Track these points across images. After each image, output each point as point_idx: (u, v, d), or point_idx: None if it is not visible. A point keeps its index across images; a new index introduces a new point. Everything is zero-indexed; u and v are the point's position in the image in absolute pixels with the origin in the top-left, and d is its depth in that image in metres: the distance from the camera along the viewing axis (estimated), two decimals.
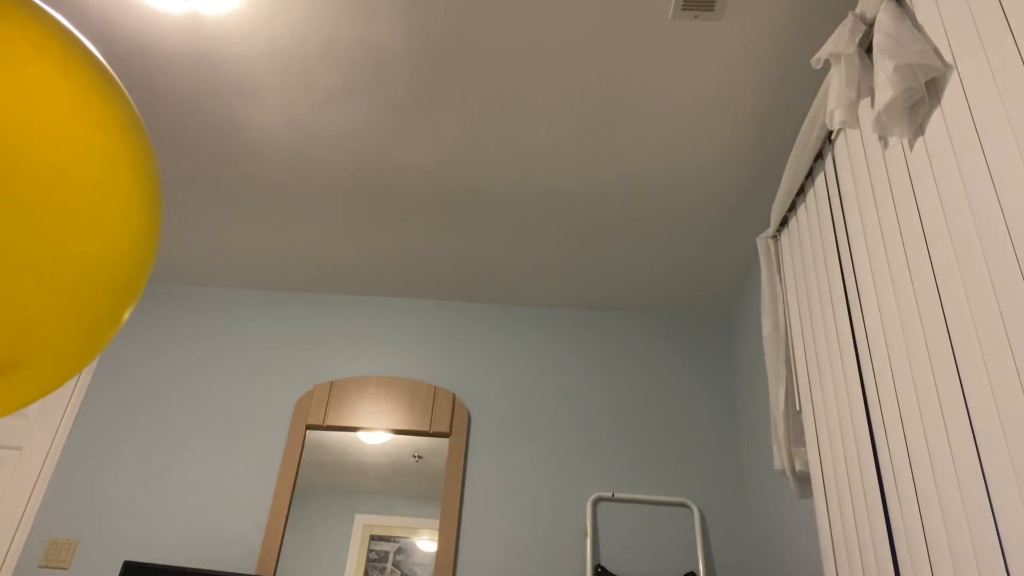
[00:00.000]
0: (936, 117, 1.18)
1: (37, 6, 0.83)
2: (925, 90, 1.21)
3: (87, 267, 0.80)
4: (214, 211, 2.56)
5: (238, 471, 2.63)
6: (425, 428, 2.68)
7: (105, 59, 1.91)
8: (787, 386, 1.88)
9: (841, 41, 1.37)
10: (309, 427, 2.70)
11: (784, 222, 1.96)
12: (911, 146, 1.27)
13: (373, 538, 2.50)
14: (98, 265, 0.82)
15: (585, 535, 2.50)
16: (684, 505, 2.56)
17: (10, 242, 0.71)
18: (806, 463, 1.80)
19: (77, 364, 0.87)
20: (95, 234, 0.81)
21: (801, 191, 1.83)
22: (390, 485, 2.60)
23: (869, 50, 1.40)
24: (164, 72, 1.96)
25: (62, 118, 0.78)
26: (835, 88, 1.39)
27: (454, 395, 2.77)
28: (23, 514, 2.54)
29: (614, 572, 2.43)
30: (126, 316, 0.94)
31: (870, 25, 1.36)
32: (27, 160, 0.72)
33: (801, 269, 1.81)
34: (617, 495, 2.56)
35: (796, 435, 1.84)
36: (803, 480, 1.87)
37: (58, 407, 2.75)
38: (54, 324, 0.79)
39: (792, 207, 1.90)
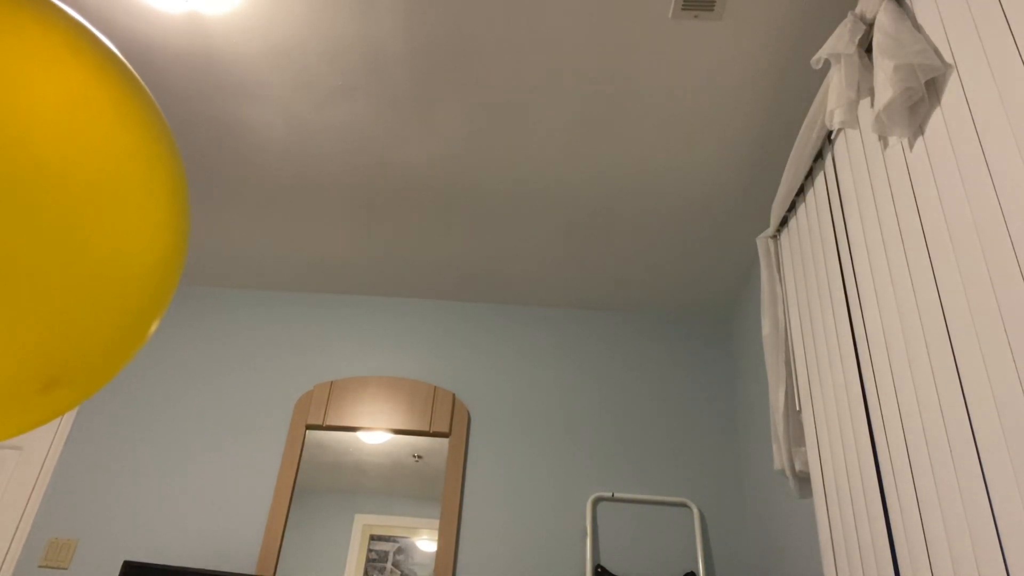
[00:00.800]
0: (936, 117, 1.18)
1: (64, 11, 0.81)
2: (925, 90, 1.21)
3: (123, 281, 0.79)
4: (214, 211, 2.56)
5: (238, 471, 2.63)
6: (425, 428, 2.68)
7: None
8: (787, 386, 1.88)
9: (841, 41, 1.37)
10: (309, 427, 2.70)
11: (784, 222, 1.96)
12: (911, 146, 1.27)
13: (373, 538, 2.50)
14: (133, 278, 0.80)
15: (585, 535, 2.50)
16: (684, 505, 2.56)
17: (52, 260, 0.69)
18: (806, 463, 1.80)
19: (109, 375, 0.87)
20: (131, 246, 0.79)
21: (801, 191, 1.83)
22: (390, 485, 2.60)
23: (869, 50, 1.40)
24: (164, 72, 1.96)
25: (102, 126, 0.75)
26: (835, 88, 1.39)
27: (454, 395, 2.77)
28: (23, 514, 2.54)
29: (614, 572, 2.43)
30: (156, 325, 0.93)
31: (870, 25, 1.36)
32: (68, 170, 0.70)
33: (801, 269, 1.81)
34: (617, 495, 2.56)
35: (796, 435, 1.84)
36: (803, 480, 1.87)
37: None
38: (91, 339, 0.78)
39: (792, 207, 1.90)
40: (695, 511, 2.52)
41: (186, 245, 0.94)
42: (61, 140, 0.71)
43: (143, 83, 0.90)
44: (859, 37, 1.36)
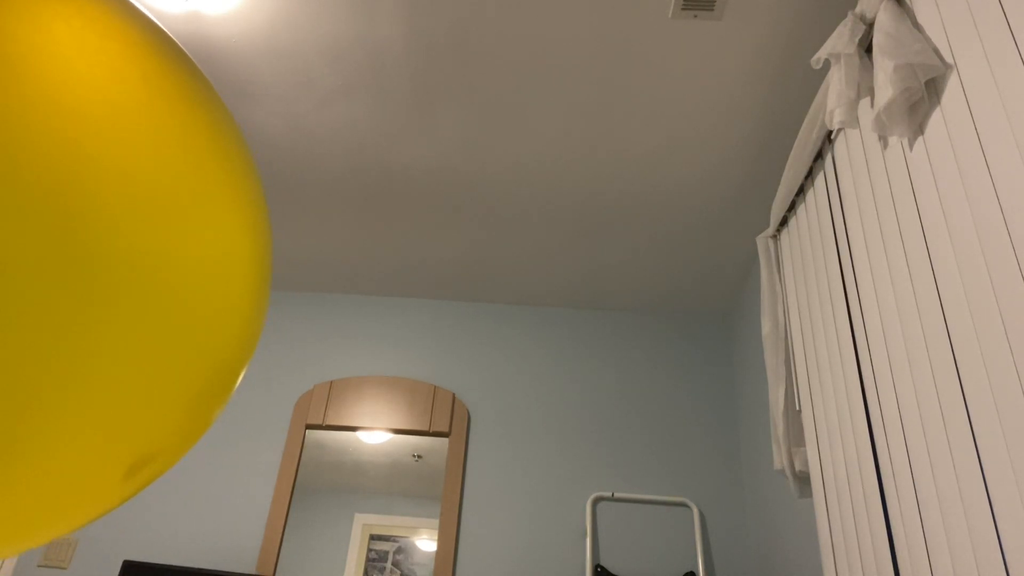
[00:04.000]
0: (936, 117, 1.18)
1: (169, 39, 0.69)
2: (925, 90, 1.21)
3: (211, 337, 0.68)
4: None
5: (238, 471, 2.63)
6: (425, 428, 2.68)
7: None
8: (787, 386, 1.88)
9: (841, 41, 1.37)
10: (309, 427, 2.70)
11: (784, 222, 1.96)
12: (911, 146, 1.27)
13: (373, 538, 2.50)
14: (222, 329, 0.69)
15: (585, 535, 2.50)
16: (684, 505, 2.56)
17: (131, 322, 0.58)
18: (806, 463, 1.80)
19: (193, 442, 0.77)
20: (216, 283, 0.67)
21: (801, 191, 1.83)
22: (390, 485, 2.60)
23: (869, 50, 1.40)
24: None
25: (203, 172, 0.63)
26: (835, 88, 1.39)
27: (454, 395, 2.76)
28: None
29: (614, 572, 2.43)
30: (241, 377, 0.82)
31: (870, 25, 1.36)
32: (171, 237, 0.59)
33: (801, 269, 1.81)
34: (617, 495, 2.56)
35: (796, 435, 1.84)
36: (803, 480, 1.86)
37: None
38: (177, 413, 0.68)
39: (792, 207, 1.90)
40: (695, 511, 2.52)
41: (270, 268, 0.80)
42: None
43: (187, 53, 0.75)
44: (859, 37, 1.36)
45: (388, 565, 2.45)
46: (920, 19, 1.25)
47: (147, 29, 0.67)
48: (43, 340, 0.52)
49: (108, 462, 0.63)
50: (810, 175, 1.77)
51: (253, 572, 2.43)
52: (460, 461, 2.63)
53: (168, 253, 0.60)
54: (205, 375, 0.69)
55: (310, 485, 2.60)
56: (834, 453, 1.55)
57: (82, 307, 0.54)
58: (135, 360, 0.60)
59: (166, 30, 0.73)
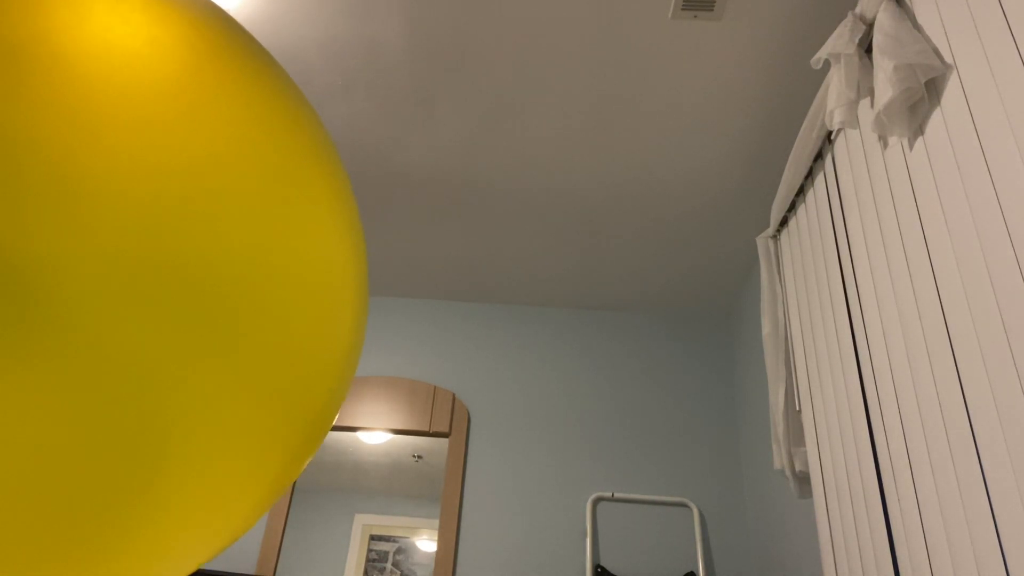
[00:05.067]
0: (936, 117, 1.18)
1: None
2: (925, 90, 1.21)
3: (320, 369, 0.62)
4: None
5: None
6: (425, 428, 2.68)
7: None
8: (787, 386, 1.88)
9: (841, 41, 1.37)
10: None
11: (784, 222, 1.96)
12: (911, 146, 1.27)
13: (373, 538, 2.50)
14: (330, 394, 0.65)
15: (585, 535, 2.50)
16: (684, 505, 2.56)
17: (279, 405, 0.55)
18: (806, 463, 1.80)
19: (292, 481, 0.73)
20: (329, 357, 0.62)
21: (801, 191, 1.83)
22: (390, 485, 2.60)
23: (869, 50, 1.40)
24: None
25: (316, 219, 0.57)
26: (835, 88, 1.39)
27: (454, 395, 2.76)
28: None
29: (614, 572, 2.43)
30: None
31: (870, 25, 1.36)
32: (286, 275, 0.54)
33: (801, 269, 1.81)
34: (617, 495, 2.56)
35: (796, 435, 1.84)
36: (803, 480, 1.86)
37: None
38: (291, 467, 0.65)
39: (792, 207, 1.90)
40: (695, 511, 2.52)
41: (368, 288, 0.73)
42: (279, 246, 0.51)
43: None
44: (859, 37, 1.36)
45: (388, 565, 2.45)
46: (920, 19, 1.25)
47: (208, 11, 0.61)
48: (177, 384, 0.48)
49: (252, 509, 0.61)
50: (810, 175, 1.77)
51: (253, 572, 2.43)
52: (460, 461, 2.63)
53: (271, 265, 0.54)
54: (314, 423, 0.64)
55: (310, 485, 2.60)
56: (834, 453, 1.55)
57: (205, 347, 0.49)
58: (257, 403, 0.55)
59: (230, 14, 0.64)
